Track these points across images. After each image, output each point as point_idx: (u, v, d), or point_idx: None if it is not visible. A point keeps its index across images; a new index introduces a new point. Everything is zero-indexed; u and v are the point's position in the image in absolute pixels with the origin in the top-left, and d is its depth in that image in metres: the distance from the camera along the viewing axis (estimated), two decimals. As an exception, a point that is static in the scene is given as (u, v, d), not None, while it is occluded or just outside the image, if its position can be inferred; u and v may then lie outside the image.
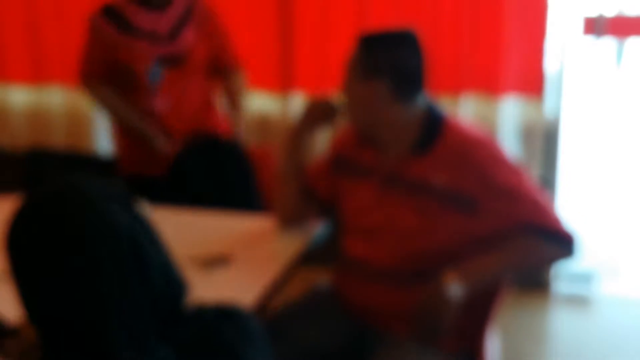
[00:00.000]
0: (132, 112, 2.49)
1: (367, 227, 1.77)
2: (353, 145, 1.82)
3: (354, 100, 1.72)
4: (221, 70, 2.63)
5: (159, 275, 1.00)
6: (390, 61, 1.66)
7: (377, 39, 1.70)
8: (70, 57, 3.45)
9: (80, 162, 2.85)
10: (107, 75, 2.51)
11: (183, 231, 1.93)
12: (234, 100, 2.60)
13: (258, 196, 2.45)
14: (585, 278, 3.28)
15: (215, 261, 1.77)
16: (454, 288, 1.54)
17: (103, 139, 3.50)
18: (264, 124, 3.27)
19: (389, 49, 1.67)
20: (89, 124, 3.50)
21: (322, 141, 2.80)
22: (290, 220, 1.97)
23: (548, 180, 3.06)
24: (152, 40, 2.46)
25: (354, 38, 1.72)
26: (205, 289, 1.65)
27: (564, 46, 3.00)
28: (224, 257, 1.79)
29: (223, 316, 1.09)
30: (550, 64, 2.99)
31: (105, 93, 2.54)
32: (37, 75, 3.54)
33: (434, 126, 1.70)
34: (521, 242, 1.63)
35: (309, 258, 1.95)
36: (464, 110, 3.00)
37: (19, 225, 0.96)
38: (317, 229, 2.01)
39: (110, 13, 2.47)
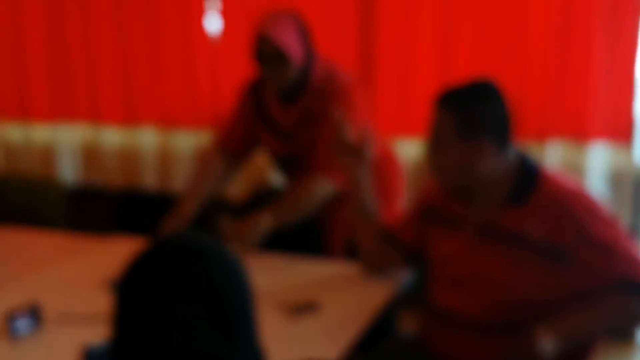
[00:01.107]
0: (196, 183, 2.38)
1: (457, 276, 1.75)
2: (442, 196, 1.81)
3: (453, 162, 1.69)
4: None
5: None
6: (487, 116, 1.65)
7: (465, 96, 1.68)
8: (161, 99, 3.60)
9: (170, 202, 2.92)
10: (233, 143, 2.42)
11: (271, 276, 1.95)
12: (292, 198, 2.23)
13: (320, 243, 2.42)
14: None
15: (303, 308, 1.78)
16: (546, 344, 1.51)
17: (185, 180, 3.60)
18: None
19: (482, 104, 1.66)
20: (178, 164, 3.61)
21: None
22: (375, 266, 1.97)
23: (638, 228, 2.96)
24: (276, 134, 2.33)
25: (434, 92, 1.71)
26: (293, 336, 1.67)
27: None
28: (312, 304, 1.80)
29: None
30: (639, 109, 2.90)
31: (210, 157, 2.43)
32: (129, 116, 3.69)
33: (529, 177, 1.68)
34: (617, 299, 1.59)
35: (395, 305, 1.94)
36: (551, 157, 2.94)
37: (123, 286, 1.00)
38: (404, 276, 2.00)
39: (256, 90, 2.37)
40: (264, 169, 3.45)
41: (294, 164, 2.33)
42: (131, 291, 0.99)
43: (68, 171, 3.83)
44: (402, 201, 2.49)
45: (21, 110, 3.89)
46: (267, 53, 2.14)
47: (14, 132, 3.95)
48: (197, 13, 3.47)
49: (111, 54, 3.65)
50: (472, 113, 1.65)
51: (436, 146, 1.71)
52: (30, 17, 3.77)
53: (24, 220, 2.71)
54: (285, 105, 2.26)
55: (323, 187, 2.18)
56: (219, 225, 2.17)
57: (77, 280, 1.97)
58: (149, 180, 3.68)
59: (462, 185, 1.73)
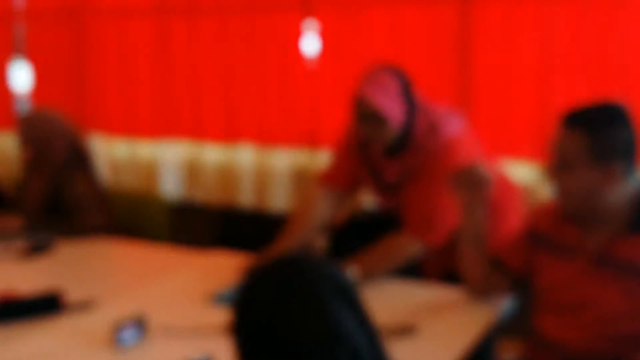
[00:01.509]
0: (299, 220, 2.33)
1: (565, 305, 1.68)
2: (553, 221, 1.75)
3: (582, 186, 1.62)
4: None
5: None
6: (619, 140, 1.58)
7: (596, 118, 1.61)
8: (260, 117, 3.68)
9: (266, 221, 2.97)
10: (338, 182, 2.37)
11: (368, 299, 1.92)
12: (381, 253, 2.15)
13: (417, 266, 2.37)
14: None
15: (399, 331, 1.75)
16: None
17: (281, 199, 3.64)
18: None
19: (614, 127, 1.59)
20: (274, 183, 3.66)
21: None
22: (479, 292, 1.91)
23: None
24: (379, 185, 2.30)
25: (560, 117, 1.64)
26: (392, 360, 1.64)
27: None
28: (409, 328, 1.76)
29: None
30: None
31: (315, 194, 2.39)
32: (229, 133, 3.78)
33: None
34: None
35: (496, 331, 1.88)
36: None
37: (243, 307, 1.01)
38: (506, 301, 1.93)
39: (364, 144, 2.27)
40: (362, 192, 3.45)
41: (397, 216, 2.25)
42: (250, 310, 1.01)
43: (170, 187, 3.96)
44: (517, 223, 2.38)
45: (127, 126, 4.07)
46: (364, 114, 2.10)
47: (120, 148, 4.12)
48: (295, 34, 3.53)
49: (213, 74, 3.76)
50: (605, 136, 1.58)
51: (563, 169, 1.63)
52: (137, 37, 3.95)
53: (128, 233, 2.81)
54: (388, 158, 2.20)
55: (413, 247, 2.13)
56: (316, 247, 2.17)
57: (179, 293, 2.01)
58: (246, 197, 3.74)
59: (585, 210, 1.65)
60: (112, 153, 4.12)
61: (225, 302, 1.90)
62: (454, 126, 2.15)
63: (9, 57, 4.41)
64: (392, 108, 2.07)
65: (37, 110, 2.76)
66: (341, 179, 2.37)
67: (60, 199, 2.64)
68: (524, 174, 3.14)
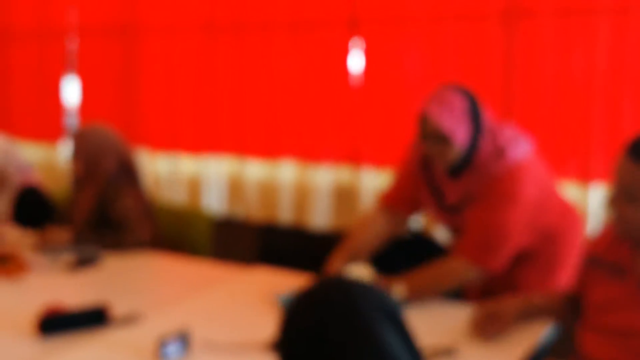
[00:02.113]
0: (355, 241, 2.31)
1: (614, 327, 1.63)
2: (607, 242, 1.71)
3: None
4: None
5: None
6: None
7: None
8: (302, 133, 3.70)
9: (306, 238, 2.98)
10: (398, 203, 2.37)
11: (409, 319, 1.91)
12: (432, 275, 2.10)
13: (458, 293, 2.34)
14: None
15: (442, 353, 1.73)
16: None
17: (321, 216, 3.65)
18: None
19: None
20: (315, 200, 3.67)
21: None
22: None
23: None
24: (440, 206, 2.26)
25: (625, 146, 1.59)
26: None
27: None
28: (449, 350, 1.74)
29: None
30: None
31: (374, 214, 2.38)
32: (271, 150, 3.81)
33: None
34: None
35: (539, 353, 1.85)
36: None
37: (289, 327, 1.02)
38: (549, 322, 1.90)
39: (426, 157, 2.27)
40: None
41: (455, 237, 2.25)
42: (296, 330, 1.00)
43: (212, 202, 4.00)
44: (577, 253, 2.30)
45: (171, 142, 4.13)
46: (429, 133, 2.09)
47: (163, 163, 4.18)
48: (340, 51, 3.54)
49: (257, 90, 3.80)
50: None
51: (627, 199, 1.56)
52: (184, 54, 4.01)
53: (172, 246, 2.85)
54: (451, 179, 2.18)
55: (468, 272, 2.08)
56: (356, 270, 2.15)
57: (223, 309, 2.02)
58: (287, 213, 3.76)
59: None
60: (155, 168, 4.19)
61: (285, 304, 1.95)
62: (521, 150, 2.10)
63: (61, 72, 4.52)
64: (456, 128, 2.05)
65: (89, 124, 2.81)
66: (401, 200, 2.35)
67: (109, 213, 2.68)
68: (567, 193, 3.11)
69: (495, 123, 2.16)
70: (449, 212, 2.23)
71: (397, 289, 2.02)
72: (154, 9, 4.06)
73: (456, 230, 2.23)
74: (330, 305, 0.99)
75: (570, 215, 2.30)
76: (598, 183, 3.03)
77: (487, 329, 1.81)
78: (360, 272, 2.05)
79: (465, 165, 2.12)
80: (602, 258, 1.72)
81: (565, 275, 2.25)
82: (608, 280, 1.69)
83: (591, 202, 3.04)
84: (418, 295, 2.04)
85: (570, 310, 1.86)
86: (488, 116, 2.15)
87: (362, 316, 0.98)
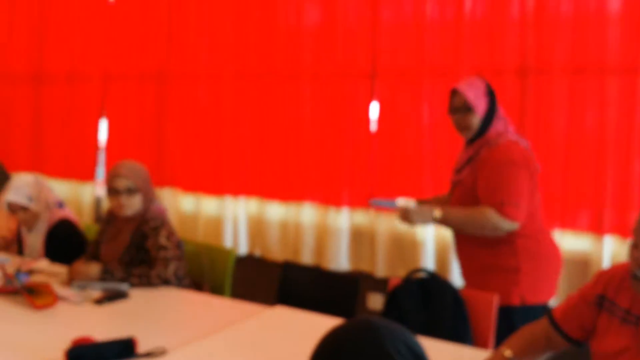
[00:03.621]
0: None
1: None
2: (619, 285, 1.72)
3: None
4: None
5: None
6: None
7: None
8: (321, 178, 3.75)
9: (324, 277, 3.00)
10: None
11: None
12: (465, 210, 2.47)
13: (468, 334, 2.36)
14: None
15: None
16: None
17: (339, 257, 3.68)
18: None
19: None
20: (332, 241, 3.70)
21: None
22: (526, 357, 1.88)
23: None
24: (456, 167, 2.63)
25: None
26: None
27: None
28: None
29: None
30: None
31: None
32: (291, 194, 3.86)
33: None
34: None
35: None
36: None
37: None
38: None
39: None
40: (418, 253, 3.46)
41: (454, 188, 2.63)
42: None
43: (234, 240, 4.04)
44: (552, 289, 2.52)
45: (194, 183, 4.19)
46: (457, 104, 2.53)
47: (187, 203, 4.24)
48: (361, 100, 3.62)
49: (279, 135, 3.87)
50: None
51: None
52: (208, 101, 4.10)
53: (195, 283, 2.88)
54: (466, 146, 2.59)
55: (498, 219, 2.38)
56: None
57: (243, 347, 2.04)
58: (306, 254, 3.79)
59: None
60: (179, 207, 4.25)
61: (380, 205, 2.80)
62: (520, 141, 2.51)
63: (92, 114, 4.63)
64: (478, 101, 2.50)
65: (130, 161, 2.87)
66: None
67: (142, 249, 2.73)
68: (579, 244, 3.13)
69: (506, 117, 2.55)
70: (456, 173, 2.62)
71: (436, 212, 2.46)
72: (184, 56, 4.17)
73: (456, 185, 2.59)
74: (358, 345, 1.01)
75: (548, 234, 2.57)
76: (611, 235, 3.04)
77: None
78: (406, 202, 2.59)
79: (479, 134, 2.51)
80: (614, 302, 1.70)
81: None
82: (621, 326, 1.67)
83: (605, 254, 3.04)
84: (450, 222, 2.49)
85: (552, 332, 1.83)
86: (502, 110, 2.55)
87: (389, 355, 1.00)
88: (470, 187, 2.51)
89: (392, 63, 3.51)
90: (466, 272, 2.61)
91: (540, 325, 1.86)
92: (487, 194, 2.43)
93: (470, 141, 2.55)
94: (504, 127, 2.52)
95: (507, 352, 1.81)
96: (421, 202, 2.77)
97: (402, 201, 2.62)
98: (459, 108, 2.53)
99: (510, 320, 2.39)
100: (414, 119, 3.48)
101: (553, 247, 2.55)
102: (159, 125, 4.30)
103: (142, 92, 4.38)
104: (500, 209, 2.38)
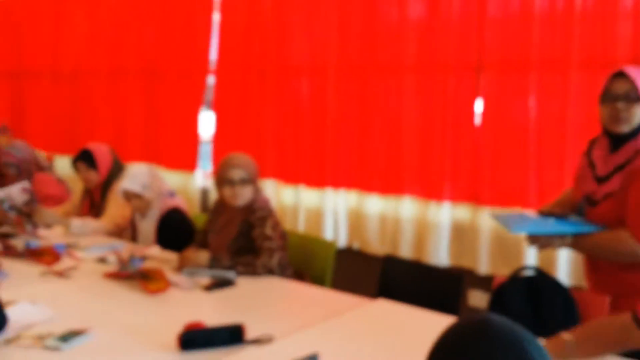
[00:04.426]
0: None
1: None
2: None
3: None
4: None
5: None
6: None
7: None
8: (422, 173, 3.70)
9: (426, 271, 2.96)
10: None
11: None
12: (600, 234, 2.18)
13: None
14: None
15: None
16: None
17: (440, 252, 3.62)
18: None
19: None
20: (432, 236, 3.65)
21: None
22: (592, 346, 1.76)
23: None
24: (593, 176, 2.30)
25: None
26: None
27: None
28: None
29: None
30: None
31: None
32: (391, 187, 3.82)
33: None
34: None
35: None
36: None
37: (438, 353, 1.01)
38: None
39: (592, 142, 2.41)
40: (522, 251, 3.35)
41: (594, 204, 2.27)
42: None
43: (334, 232, 4.05)
44: None
45: (294, 175, 4.24)
46: (621, 91, 2.17)
47: (288, 195, 4.29)
48: (465, 94, 3.53)
49: (380, 128, 3.84)
50: None
51: None
52: (311, 94, 4.13)
53: (296, 273, 2.91)
54: (608, 154, 2.25)
55: (634, 246, 2.08)
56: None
57: (347, 338, 2.04)
58: (406, 248, 3.75)
59: None
60: (279, 199, 4.30)
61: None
62: None
63: (198, 106, 4.77)
64: None
65: (243, 154, 2.94)
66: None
67: (248, 238, 2.78)
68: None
69: None
70: (598, 182, 2.25)
71: (563, 241, 2.20)
72: (287, 50, 4.21)
73: (602, 198, 2.22)
74: (475, 354, 0.97)
75: None
76: None
77: None
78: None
79: (631, 135, 2.17)
80: None
81: None
82: None
83: None
84: (582, 248, 2.22)
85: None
86: None
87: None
88: (621, 202, 2.16)
89: (498, 55, 3.40)
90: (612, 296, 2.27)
91: (620, 319, 1.74)
92: (637, 214, 2.10)
93: (616, 144, 2.21)
94: None
95: (567, 336, 1.73)
96: (542, 211, 2.40)
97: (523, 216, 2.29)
98: (623, 95, 2.15)
99: None
100: (519, 113, 3.36)
101: None
102: (261, 117, 4.37)
103: (245, 86, 4.46)
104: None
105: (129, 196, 3.19)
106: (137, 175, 3.16)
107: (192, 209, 4.68)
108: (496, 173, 3.45)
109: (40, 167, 4.08)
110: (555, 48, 3.23)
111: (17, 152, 4.02)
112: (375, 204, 3.90)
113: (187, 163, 4.85)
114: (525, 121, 3.34)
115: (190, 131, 4.82)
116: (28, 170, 4.01)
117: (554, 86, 3.25)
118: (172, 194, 3.28)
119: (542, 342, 1.82)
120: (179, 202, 3.28)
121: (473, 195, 3.53)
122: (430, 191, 3.67)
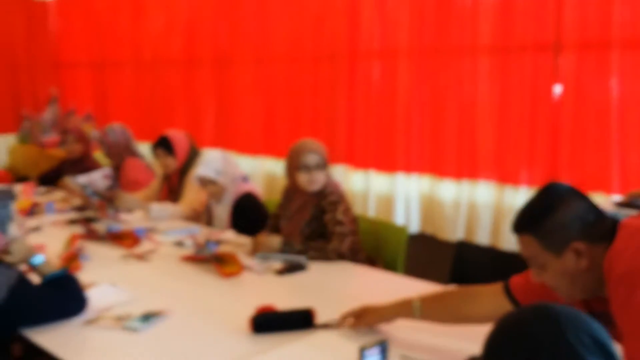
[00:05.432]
0: None
1: None
2: None
3: (561, 277, 1.52)
4: None
5: None
6: (563, 222, 1.51)
7: (532, 214, 1.57)
8: (498, 157, 3.59)
9: (501, 258, 2.88)
10: None
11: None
12: None
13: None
14: None
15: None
16: None
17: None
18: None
19: (555, 212, 1.53)
20: (509, 221, 3.53)
21: None
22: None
23: None
24: None
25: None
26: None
27: None
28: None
29: None
30: None
31: None
32: (464, 171, 3.73)
33: None
34: None
35: None
36: None
37: (494, 354, 0.98)
38: None
39: None
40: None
41: None
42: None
43: (406, 218, 4.00)
44: None
45: (365, 160, 4.20)
46: None
47: (358, 180, 4.26)
48: (543, 75, 3.39)
49: (454, 114, 3.75)
50: (549, 229, 1.49)
51: (539, 270, 1.54)
52: (383, 78, 4.07)
53: (369, 258, 2.88)
54: None
55: None
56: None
57: (419, 325, 2.01)
58: (482, 234, 3.66)
59: (590, 290, 1.52)
60: (349, 184, 4.27)
61: None
62: None
63: (269, 93, 4.79)
64: None
65: (314, 139, 2.92)
66: None
67: (320, 223, 2.78)
68: None
69: None
70: None
71: None
72: (359, 34, 4.16)
73: None
74: (540, 336, 0.94)
75: None
76: None
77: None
78: None
79: None
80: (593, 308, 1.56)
81: None
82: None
83: None
84: None
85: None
86: None
87: (570, 347, 0.92)
88: None
89: (577, 35, 3.25)
90: None
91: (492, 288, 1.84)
92: None
93: None
94: None
95: (415, 302, 1.88)
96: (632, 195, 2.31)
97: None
98: None
99: None
100: (600, 94, 3.20)
101: None
102: (331, 102, 4.35)
103: (316, 72, 4.44)
104: None
105: (204, 182, 3.24)
106: (211, 162, 3.20)
107: (270, 193, 4.71)
108: (576, 157, 3.31)
109: (132, 153, 4.21)
110: (638, 25, 3.05)
111: (112, 135, 4.16)
112: (448, 189, 3.82)
113: (259, 147, 4.89)
114: (607, 102, 3.19)
115: (260, 117, 4.85)
116: (118, 153, 4.15)
117: (637, 65, 3.08)
118: (245, 179, 3.31)
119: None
120: (252, 187, 3.31)
121: (551, 180, 3.39)
122: (506, 175, 3.56)
